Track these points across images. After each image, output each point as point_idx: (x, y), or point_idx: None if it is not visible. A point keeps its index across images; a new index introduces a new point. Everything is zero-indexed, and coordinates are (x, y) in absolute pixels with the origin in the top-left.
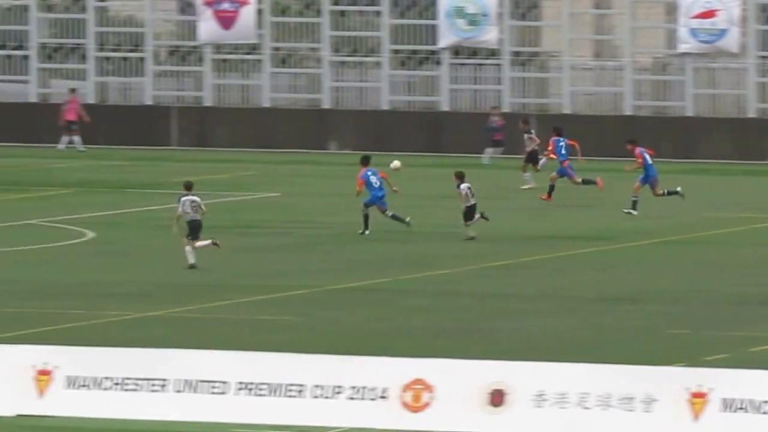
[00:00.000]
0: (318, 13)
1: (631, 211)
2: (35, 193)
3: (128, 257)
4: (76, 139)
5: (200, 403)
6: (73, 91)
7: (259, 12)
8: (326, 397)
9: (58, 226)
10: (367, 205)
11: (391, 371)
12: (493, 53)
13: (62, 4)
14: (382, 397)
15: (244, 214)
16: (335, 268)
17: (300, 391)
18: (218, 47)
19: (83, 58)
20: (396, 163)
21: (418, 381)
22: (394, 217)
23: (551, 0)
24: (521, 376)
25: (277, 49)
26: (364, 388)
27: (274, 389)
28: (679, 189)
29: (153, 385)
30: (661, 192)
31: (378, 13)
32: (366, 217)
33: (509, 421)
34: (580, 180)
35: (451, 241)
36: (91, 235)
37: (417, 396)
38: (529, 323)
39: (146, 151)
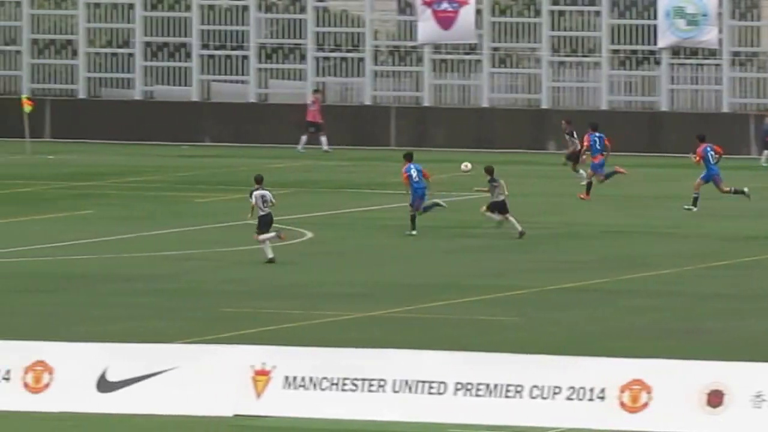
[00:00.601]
0: (537, 13)
1: (692, 207)
2: None
3: (346, 257)
4: (303, 138)
5: (418, 404)
6: (316, 91)
7: (478, 12)
8: (544, 398)
9: (276, 226)
10: (416, 207)
11: (609, 371)
12: (712, 53)
13: (281, 4)
14: (600, 398)
15: (462, 214)
16: (553, 268)
17: (518, 392)
18: (437, 47)
19: (302, 58)
20: (467, 165)
21: (636, 381)
22: (425, 208)
23: None
24: (740, 376)
25: (496, 49)
26: (582, 388)
27: (492, 390)
28: (745, 189)
29: (371, 385)
30: (728, 189)
31: (597, 13)
32: (414, 218)
33: (727, 422)
34: (603, 177)
35: (671, 241)
36: (309, 235)
37: (635, 396)
38: (748, 323)
39: (364, 151)
